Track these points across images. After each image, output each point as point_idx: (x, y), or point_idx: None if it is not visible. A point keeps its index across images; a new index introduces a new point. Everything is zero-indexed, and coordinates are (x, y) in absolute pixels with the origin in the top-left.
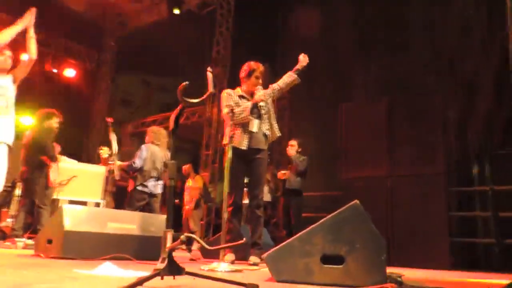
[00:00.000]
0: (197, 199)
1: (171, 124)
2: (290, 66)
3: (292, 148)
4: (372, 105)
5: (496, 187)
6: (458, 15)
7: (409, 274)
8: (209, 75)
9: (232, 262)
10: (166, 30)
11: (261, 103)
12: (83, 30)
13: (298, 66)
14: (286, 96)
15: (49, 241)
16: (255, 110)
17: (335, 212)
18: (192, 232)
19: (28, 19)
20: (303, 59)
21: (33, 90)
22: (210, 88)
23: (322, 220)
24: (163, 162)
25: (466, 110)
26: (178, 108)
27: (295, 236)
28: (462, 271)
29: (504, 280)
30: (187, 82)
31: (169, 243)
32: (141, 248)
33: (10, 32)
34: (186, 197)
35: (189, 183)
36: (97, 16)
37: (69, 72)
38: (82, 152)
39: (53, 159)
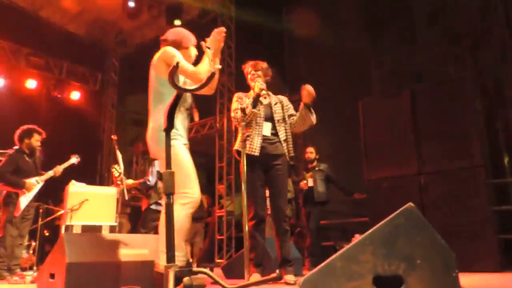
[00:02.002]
0: None
1: (164, 120)
2: (299, 67)
3: (311, 154)
4: (393, 98)
5: None
6: None
7: (464, 282)
8: (208, 52)
9: None
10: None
11: (275, 108)
12: (84, 52)
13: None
14: (297, 99)
15: (52, 276)
16: (266, 110)
17: (385, 220)
18: None
19: (216, 44)
20: (307, 93)
21: (38, 117)
22: (211, 67)
23: (370, 231)
24: None
25: (494, 98)
26: (173, 98)
27: (336, 254)
28: None
29: None
30: (178, 61)
31: (171, 285)
32: None
33: (207, 66)
34: None
35: None
36: (97, 37)
37: (74, 95)
38: (96, 174)
39: (18, 186)
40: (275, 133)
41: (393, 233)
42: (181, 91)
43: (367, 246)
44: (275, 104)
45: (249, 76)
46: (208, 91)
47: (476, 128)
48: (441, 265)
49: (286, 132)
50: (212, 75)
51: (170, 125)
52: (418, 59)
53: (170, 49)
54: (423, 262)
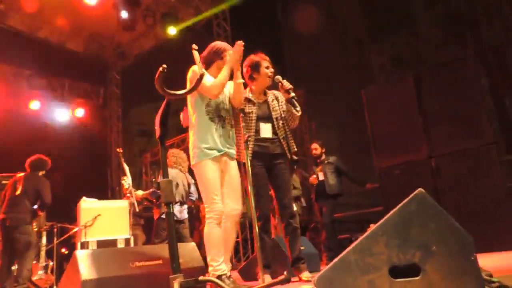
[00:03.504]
0: None
1: (157, 129)
2: (299, 62)
3: (316, 151)
4: (397, 84)
5: None
6: None
7: (484, 263)
8: (195, 54)
9: None
10: (166, 52)
11: (273, 105)
12: (85, 68)
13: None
14: (301, 95)
15: None
16: (263, 109)
17: (396, 209)
18: None
19: (235, 58)
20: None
21: (44, 137)
22: (199, 70)
23: (381, 222)
24: (186, 185)
25: (500, 74)
26: (163, 105)
27: (349, 248)
28: None
29: None
30: (164, 66)
31: None
32: None
33: (220, 81)
34: None
35: None
36: (96, 52)
37: (78, 112)
38: (107, 188)
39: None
40: (274, 132)
41: (405, 221)
42: (170, 97)
43: (380, 237)
44: (272, 101)
45: (262, 69)
46: (235, 104)
47: (484, 106)
48: (458, 250)
49: (285, 129)
50: (200, 78)
51: (162, 132)
52: (419, 43)
53: (194, 69)
54: (439, 248)
